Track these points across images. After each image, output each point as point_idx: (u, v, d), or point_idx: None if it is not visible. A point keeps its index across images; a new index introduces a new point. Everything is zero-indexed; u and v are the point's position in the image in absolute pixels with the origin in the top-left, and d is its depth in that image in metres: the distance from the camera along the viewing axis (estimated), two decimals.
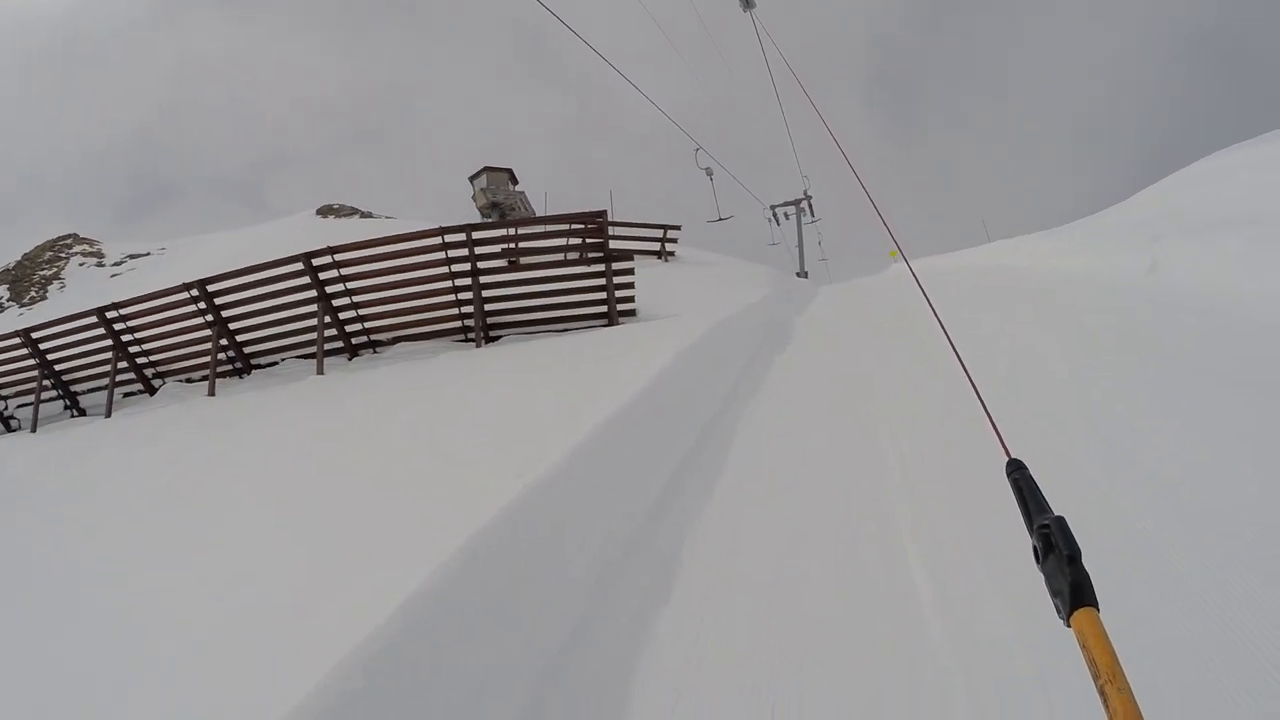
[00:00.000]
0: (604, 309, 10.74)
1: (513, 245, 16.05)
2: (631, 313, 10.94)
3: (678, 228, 19.98)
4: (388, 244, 11.18)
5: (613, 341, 8.77)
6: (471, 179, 35.75)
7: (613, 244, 17.79)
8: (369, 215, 37.21)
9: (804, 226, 40.55)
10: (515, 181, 35.46)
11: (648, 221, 19.44)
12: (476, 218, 32.27)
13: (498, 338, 11.20)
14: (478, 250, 10.79)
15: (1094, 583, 0.91)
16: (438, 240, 10.81)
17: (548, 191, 63.73)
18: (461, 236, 10.69)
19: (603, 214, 10.87)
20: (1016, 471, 1.18)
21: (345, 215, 37.46)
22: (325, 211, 38.46)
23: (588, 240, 11.49)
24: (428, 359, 10.33)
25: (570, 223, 11.86)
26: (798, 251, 37.93)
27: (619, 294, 10.76)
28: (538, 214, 30.28)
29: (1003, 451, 1.32)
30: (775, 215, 39.53)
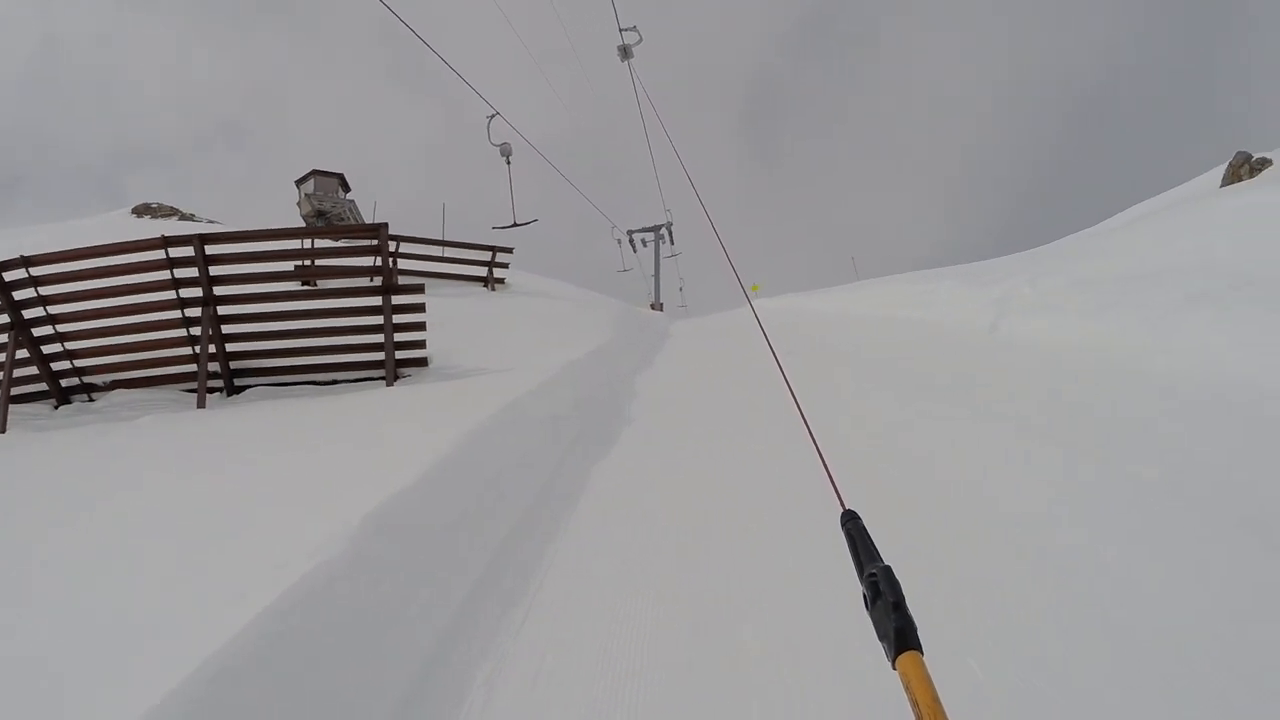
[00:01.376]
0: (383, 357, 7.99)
1: (308, 263, 13.25)
2: (422, 362, 8.38)
3: (509, 250, 17.37)
4: (96, 256, 8.19)
5: (372, 415, 6.08)
6: (298, 183, 32.04)
7: (424, 267, 15.45)
8: (190, 217, 33.60)
9: (664, 259, 39.55)
10: (347, 188, 31.93)
11: (473, 242, 16.88)
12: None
13: (243, 388, 8.40)
14: (216, 270, 7.98)
15: (919, 628, 0.96)
16: (159, 254, 7.93)
17: (377, 200, 59.19)
18: (189, 250, 7.85)
19: (381, 228, 8.21)
20: (850, 522, 1.23)
21: (163, 215, 33.73)
22: (142, 211, 34.47)
23: (377, 265, 8.73)
24: (131, 419, 7.40)
25: (340, 236, 9.20)
26: (654, 281, 36.27)
27: (403, 338, 8.05)
28: (363, 220, 27.06)
29: (838, 503, 1.36)
30: (633, 241, 37.92)
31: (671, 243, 38.61)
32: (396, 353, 8.11)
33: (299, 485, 4.00)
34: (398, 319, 8.04)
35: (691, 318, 29.01)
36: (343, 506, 3.12)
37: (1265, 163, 14.15)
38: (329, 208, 30.95)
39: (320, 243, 12.43)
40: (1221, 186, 14.32)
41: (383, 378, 7.89)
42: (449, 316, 10.99)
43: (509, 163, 19.85)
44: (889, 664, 0.96)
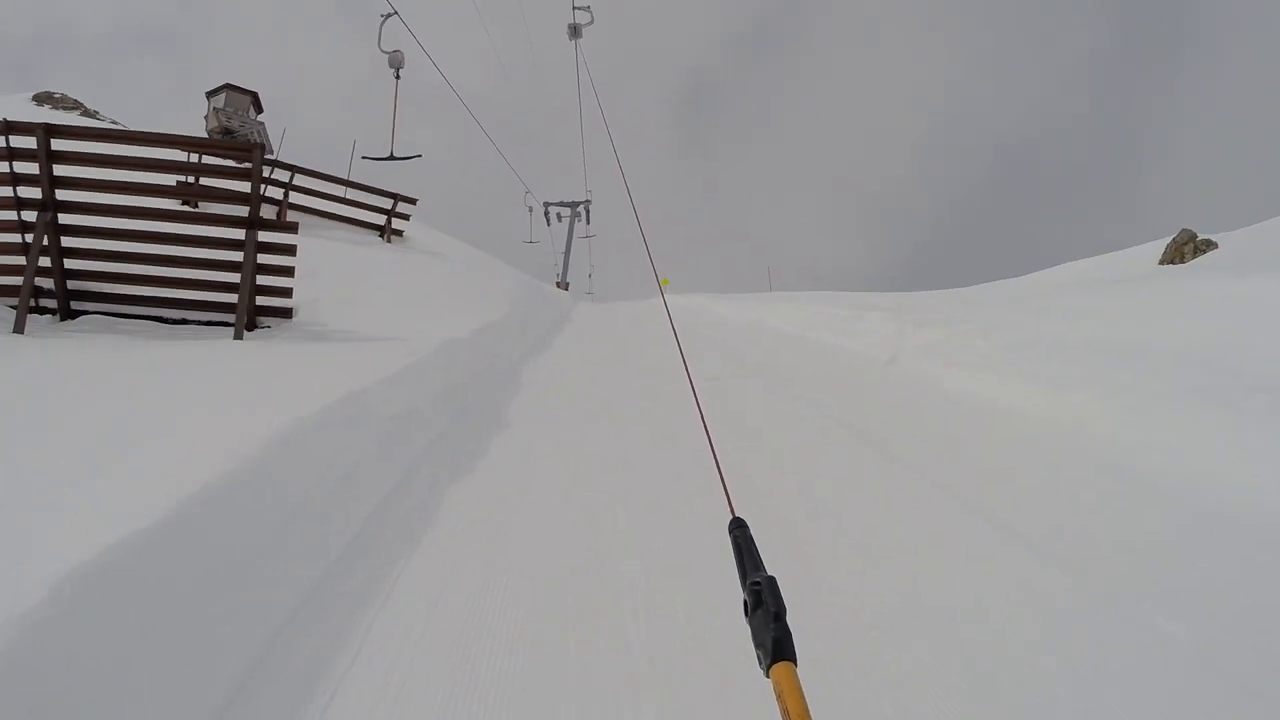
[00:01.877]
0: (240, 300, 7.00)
1: (191, 180, 12.20)
2: (287, 314, 7.66)
3: (412, 201, 15.94)
4: None
5: (170, 386, 4.56)
6: (209, 95, 30.07)
7: (319, 206, 14.08)
8: (94, 114, 31.68)
9: (579, 238, 38.84)
10: (260, 109, 30.19)
11: (376, 186, 15.51)
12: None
13: (79, 313, 7.44)
14: (70, 171, 7.00)
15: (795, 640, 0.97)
16: None
17: (286, 128, 55.87)
18: (31, 141, 6.86)
19: (255, 149, 7.20)
20: (737, 529, 1.26)
21: (67, 108, 31.85)
22: (43, 99, 32.47)
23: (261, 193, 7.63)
24: None
25: (206, 150, 8.34)
26: (563, 259, 35.63)
27: (267, 281, 7.25)
28: (274, 151, 25.47)
29: (729, 510, 1.39)
30: (547, 214, 37.18)
31: (588, 222, 38.06)
32: (259, 299, 7.34)
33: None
34: (263, 259, 7.17)
35: (597, 302, 28.54)
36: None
37: (1209, 244, 14.39)
38: (237, 126, 29.18)
39: (206, 161, 11.47)
40: (1161, 263, 14.56)
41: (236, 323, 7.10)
42: (334, 265, 10.18)
43: (398, 77, 17.79)
44: (762, 673, 0.97)
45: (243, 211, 7.16)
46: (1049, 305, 8.43)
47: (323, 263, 9.89)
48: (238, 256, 7.12)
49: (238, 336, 6.92)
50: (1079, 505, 3.66)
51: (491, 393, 6.68)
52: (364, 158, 19.32)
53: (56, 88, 34.35)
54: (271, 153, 26.71)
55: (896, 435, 5.23)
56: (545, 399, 6.76)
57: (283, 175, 13.99)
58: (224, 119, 29.52)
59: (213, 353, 5.82)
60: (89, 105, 33.81)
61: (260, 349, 6.21)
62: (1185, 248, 14.67)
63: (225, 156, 10.37)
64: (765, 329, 12.45)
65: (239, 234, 7.14)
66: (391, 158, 18.45)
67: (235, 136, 28.58)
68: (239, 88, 31.44)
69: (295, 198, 13.70)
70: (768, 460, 4.73)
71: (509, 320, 10.09)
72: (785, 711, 0.88)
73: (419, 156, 19.36)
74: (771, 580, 1.07)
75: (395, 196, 15.17)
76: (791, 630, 0.99)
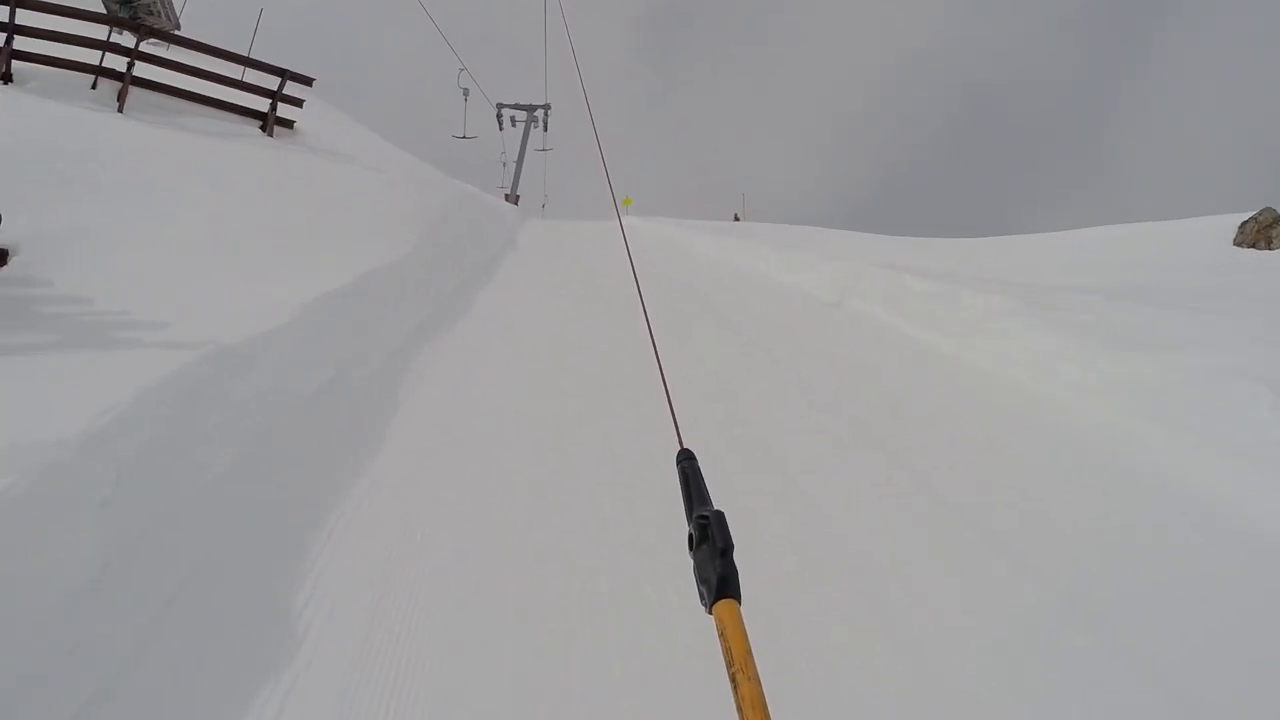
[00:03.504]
0: None
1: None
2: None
3: (307, 82, 12.00)
4: None
5: None
6: None
7: (183, 84, 10.12)
8: None
9: (536, 150, 34.68)
10: None
11: (259, 60, 11.56)
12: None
13: None
14: None
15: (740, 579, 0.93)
16: None
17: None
18: None
19: None
20: (685, 461, 1.20)
21: None
22: None
23: None
24: None
25: None
26: (515, 168, 31.44)
27: None
28: (178, 22, 20.75)
29: (677, 441, 1.31)
30: (500, 117, 32.77)
31: (545, 129, 33.80)
32: None
33: None
34: None
35: (549, 219, 24.86)
36: None
37: None
38: None
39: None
40: (1237, 244, 12.25)
41: None
42: (147, 170, 6.64)
43: None
44: (705, 609, 0.93)
45: None
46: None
47: (136, 167, 6.35)
48: None
49: None
50: None
51: (327, 445, 3.41)
52: None
53: None
54: (176, 21, 21.99)
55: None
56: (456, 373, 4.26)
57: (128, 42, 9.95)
58: None
59: None
60: None
61: None
62: (1272, 230, 12.00)
63: None
64: (781, 289, 9.16)
65: None
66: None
67: (135, 9, 23.68)
68: None
69: (146, 72, 9.73)
70: None
71: (411, 263, 6.71)
72: (728, 650, 0.84)
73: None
74: (720, 515, 1.00)
75: (283, 74, 11.07)
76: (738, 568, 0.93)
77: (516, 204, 27.58)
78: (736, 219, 28.03)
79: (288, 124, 11.23)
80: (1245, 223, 12.20)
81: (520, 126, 33.29)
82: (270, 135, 10.75)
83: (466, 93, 31.43)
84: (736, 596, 0.90)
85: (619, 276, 7.95)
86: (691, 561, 0.98)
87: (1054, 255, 12.72)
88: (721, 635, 0.86)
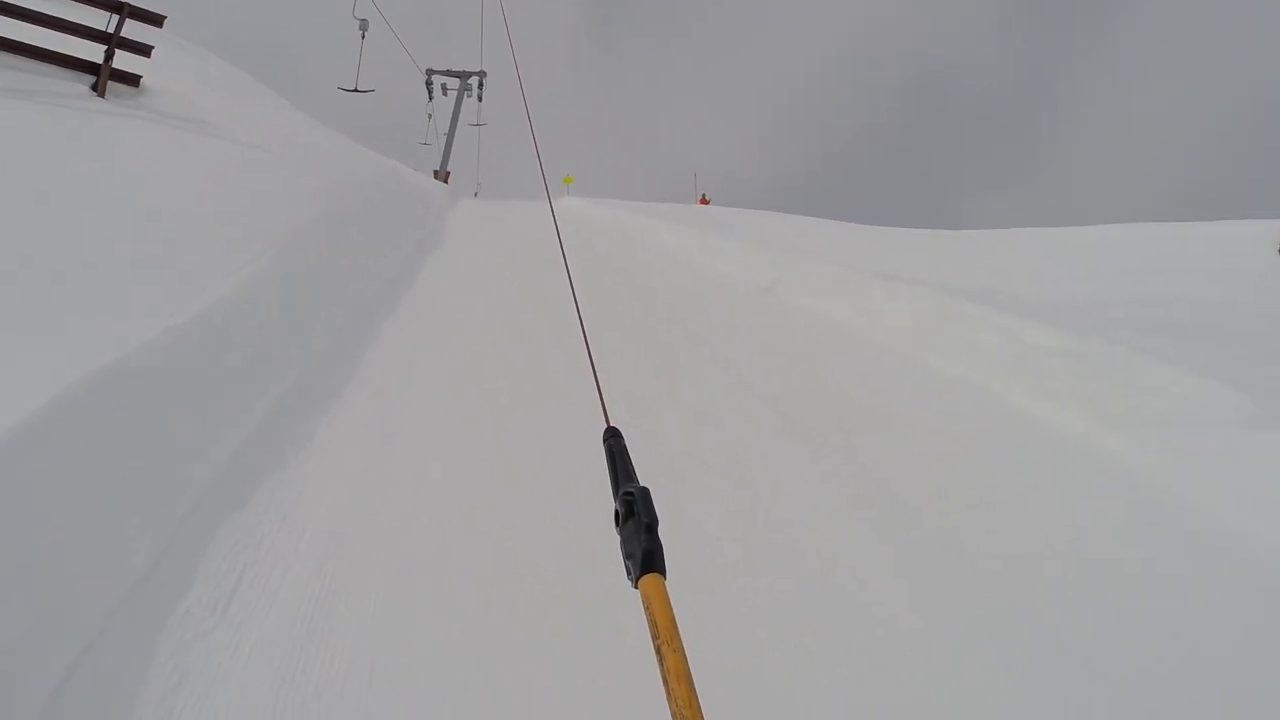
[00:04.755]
0: None
1: None
2: None
3: (156, 21, 8.84)
4: None
5: None
6: None
7: None
8: None
9: (470, 125, 31.49)
10: None
11: None
12: None
13: None
14: None
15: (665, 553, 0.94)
16: None
17: None
18: None
19: None
20: (612, 439, 1.22)
21: None
22: None
23: None
24: None
25: None
26: (445, 141, 28.38)
27: None
28: None
29: (604, 419, 1.33)
30: (430, 84, 29.57)
31: (480, 99, 30.80)
32: None
33: None
34: None
35: (484, 200, 22.08)
36: None
37: None
38: None
39: None
40: None
41: None
42: None
43: None
44: (631, 584, 0.94)
45: None
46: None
47: None
48: None
49: None
50: None
51: None
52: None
53: None
54: None
55: None
56: None
57: None
58: None
59: None
60: None
61: None
62: None
63: None
64: (812, 323, 6.91)
65: None
66: None
67: None
68: None
69: None
70: None
71: (233, 318, 4.24)
72: (653, 622, 0.85)
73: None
74: (645, 491, 1.02)
75: (120, 8, 8.08)
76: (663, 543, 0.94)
77: (447, 181, 24.71)
78: (705, 201, 25.66)
79: (132, 80, 8.35)
80: None
81: (452, 96, 30.27)
82: (102, 96, 7.90)
83: (364, 26, 25.18)
84: (662, 571, 0.92)
85: (590, 291, 5.55)
86: (618, 537, 1.00)
87: (1079, 258, 10.59)
88: (647, 609, 0.87)
